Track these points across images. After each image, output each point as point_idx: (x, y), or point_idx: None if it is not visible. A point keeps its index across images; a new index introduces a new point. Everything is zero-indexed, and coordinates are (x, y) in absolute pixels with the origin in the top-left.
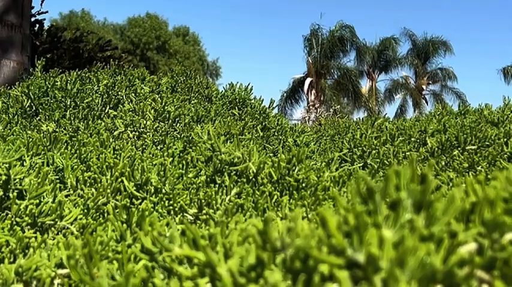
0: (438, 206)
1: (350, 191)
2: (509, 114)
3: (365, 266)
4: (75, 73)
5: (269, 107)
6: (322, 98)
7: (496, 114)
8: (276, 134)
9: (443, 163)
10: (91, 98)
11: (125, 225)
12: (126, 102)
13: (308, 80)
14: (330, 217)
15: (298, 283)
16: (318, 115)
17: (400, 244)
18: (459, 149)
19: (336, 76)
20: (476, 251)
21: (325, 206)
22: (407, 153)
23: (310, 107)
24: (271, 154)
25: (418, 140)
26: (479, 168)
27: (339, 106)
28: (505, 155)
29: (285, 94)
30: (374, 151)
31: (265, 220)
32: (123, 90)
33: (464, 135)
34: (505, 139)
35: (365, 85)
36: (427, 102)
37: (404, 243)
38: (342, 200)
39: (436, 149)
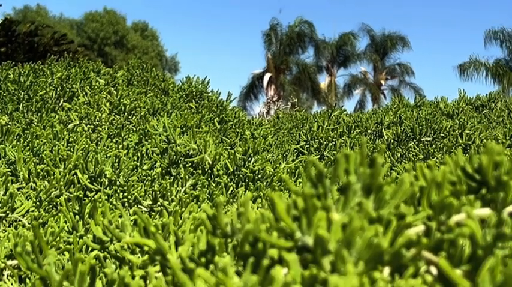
0: (387, 190)
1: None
2: (464, 107)
3: (314, 249)
4: (28, 66)
5: (227, 100)
6: (281, 94)
7: (452, 107)
8: (233, 127)
9: (399, 155)
10: (45, 91)
11: (77, 216)
12: (80, 95)
13: (267, 75)
14: (279, 200)
15: (247, 266)
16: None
17: (348, 226)
18: (415, 140)
19: (294, 72)
20: (424, 233)
21: (277, 192)
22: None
23: (270, 102)
24: (228, 147)
25: (375, 132)
26: (435, 159)
27: (296, 100)
28: (460, 147)
29: (244, 89)
30: (331, 143)
31: (215, 205)
32: (78, 83)
33: (420, 127)
34: (460, 131)
35: (324, 80)
36: (385, 97)
37: (352, 224)
38: (291, 184)
39: (392, 140)
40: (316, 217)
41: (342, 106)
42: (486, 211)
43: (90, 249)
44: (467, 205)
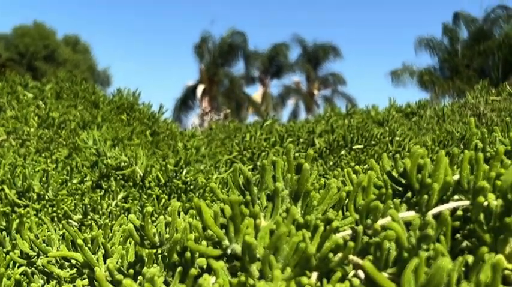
0: (315, 195)
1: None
2: (395, 114)
3: (242, 256)
4: None
5: (159, 112)
6: (215, 105)
7: (382, 115)
8: (165, 138)
9: (331, 163)
10: None
11: (4, 232)
12: (8, 109)
13: (201, 87)
14: (206, 208)
15: (175, 276)
16: (210, 121)
17: (275, 232)
18: (346, 148)
19: (227, 83)
20: (351, 237)
21: (204, 201)
22: (295, 154)
23: (203, 114)
24: (160, 159)
25: (307, 141)
26: (365, 166)
27: (229, 111)
28: (390, 153)
29: (178, 101)
30: (263, 153)
31: (143, 215)
32: (5, 97)
33: (351, 135)
34: (390, 138)
35: (258, 91)
36: (318, 107)
37: (279, 230)
38: (219, 192)
39: (324, 149)
40: (243, 224)
41: (274, 116)
42: (411, 214)
43: (17, 265)
44: (393, 209)
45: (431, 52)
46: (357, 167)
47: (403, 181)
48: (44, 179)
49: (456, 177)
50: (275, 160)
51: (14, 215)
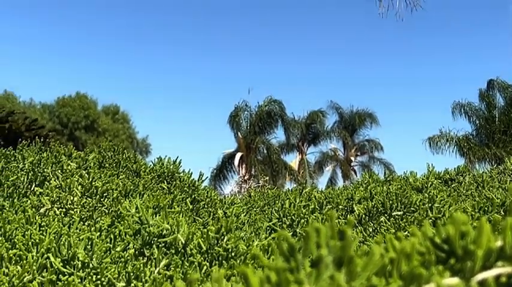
0: (358, 262)
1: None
2: (433, 180)
3: None
4: None
5: (198, 179)
6: (252, 172)
7: (421, 181)
8: (205, 206)
9: (370, 229)
10: (16, 176)
11: None
12: (52, 179)
13: (238, 155)
14: (252, 276)
15: None
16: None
17: None
18: (386, 215)
19: (264, 151)
20: None
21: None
22: (336, 220)
23: (241, 181)
24: (201, 226)
25: (346, 208)
26: (406, 233)
27: (267, 178)
28: (430, 220)
29: (214, 170)
30: (303, 220)
31: (189, 283)
32: (49, 167)
33: (390, 202)
34: (430, 204)
35: (295, 158)
36: (356, 173)
37: None
38: (263, 259)
39: (364, 215)
40: None
41: (313, 183)
42: (455, 280)
43: None
44: (437, 275)
45: (468, 118)
46: (398, 233)
47: (446, 247)
48: (88, 247)
49: (499, 243)
50: (318, 227)
51: (59, 283)
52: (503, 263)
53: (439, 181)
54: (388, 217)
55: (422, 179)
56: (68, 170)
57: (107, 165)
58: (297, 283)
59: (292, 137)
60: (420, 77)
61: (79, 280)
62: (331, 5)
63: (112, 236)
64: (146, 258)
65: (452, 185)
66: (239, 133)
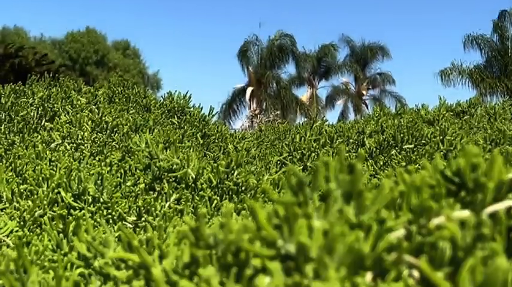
0: (368, 196)
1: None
2: (445, 113)
3: (296, 257)
4: (9, 87)
5: (209, 114)
6: (263, 107)
7: (432, 114)
8: (216, 141)
9: (381, 163)
10: (26, 111)
11: (61, 235)
12: (62, 114)
13: (249, 89)
14: (260, 210)
15: (230, 276)
16: (258, 122)
17: (329, 232)
18: (397, 148)
19: (274, 85)
20: (405, 237)
21: (258, 202)
22: (346, 154)
23: (252, 116)
24: (211, 161)
25: (357, 141)
26: (417, 166)
27: (278, 112)
28: (441, 153)
29: (224, 105)
30: (313, 154)
31: (197, 217)
32: (59, 102)
33: (401, 135)
34: (441, 137)
35: (306, 92)
36: (367, 107)
37: (333, 230)
38: (272, 193)
39: (374, 149)
40: (297, 225)
41: (324, 117)
42: (465, 213)
43: (75, 266)
44: (447, 208)
45: (480, 50)
46: (409, 166)
47: (457, 180)
48: (98, 182)
49: (510, 175)
50: (327, 161)
51: (70, 218)
52: None
53: (451, 113)
54: (399, 150)
55: (434, 111)
56: (77, 105)
57: (117, 100)
58: (305, 217)
59: (303, 72)
60: (433, 7)
61: (90, 215)
62: None
63: (122, 171)
64: (156, 192)
65: (464, 118)
66: (250, 68)
